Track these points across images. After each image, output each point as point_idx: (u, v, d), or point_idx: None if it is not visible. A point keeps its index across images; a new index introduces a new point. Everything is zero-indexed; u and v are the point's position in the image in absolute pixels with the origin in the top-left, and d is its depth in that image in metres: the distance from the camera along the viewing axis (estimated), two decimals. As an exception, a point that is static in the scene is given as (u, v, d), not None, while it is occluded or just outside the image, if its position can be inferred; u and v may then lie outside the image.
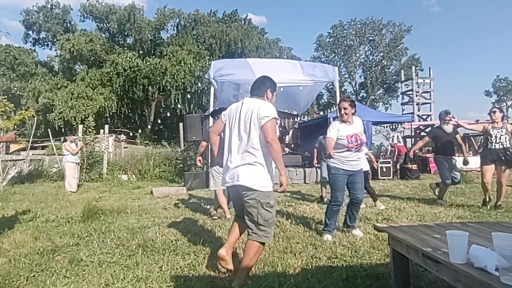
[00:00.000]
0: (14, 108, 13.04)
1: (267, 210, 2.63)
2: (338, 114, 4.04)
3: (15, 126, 11.48)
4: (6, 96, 13.03)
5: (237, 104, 2.92)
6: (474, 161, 8.09)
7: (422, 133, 17.54)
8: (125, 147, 16.99)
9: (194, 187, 8.82)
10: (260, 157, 2.65)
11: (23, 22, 25.89)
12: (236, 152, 2.73)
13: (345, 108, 3.86)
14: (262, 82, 2.88)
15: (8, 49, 24.74)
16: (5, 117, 11.26)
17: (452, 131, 5.90)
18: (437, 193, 6.23)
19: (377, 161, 11.14)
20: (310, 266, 3.02)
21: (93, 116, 18.66)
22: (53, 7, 26.31)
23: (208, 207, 6.10)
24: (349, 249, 3.42)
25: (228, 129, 2.94)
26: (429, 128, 14.13)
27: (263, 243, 2.68)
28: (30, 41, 27.15)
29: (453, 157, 6.02)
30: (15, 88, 22.98)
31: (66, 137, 9.41)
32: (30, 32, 26.62)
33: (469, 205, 5.89)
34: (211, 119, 8.81)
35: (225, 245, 2.87)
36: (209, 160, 5.96)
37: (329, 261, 3.15)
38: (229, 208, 5.09)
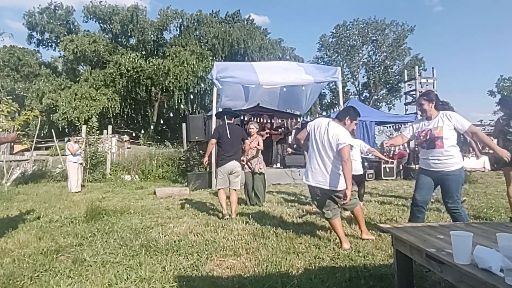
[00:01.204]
0: (19, 109, 13.12)
1: None
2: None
3: (19, 127, 11.55)
4: (11, 97, 13.12)
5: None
6: (477, 162, 8.05)
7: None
8: (128, 148, 17.04)
9: (197, 188, 8.83)
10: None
11: (26, 24, 26.04)
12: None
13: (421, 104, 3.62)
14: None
15: (12, 50, 24.88)
16: (10, 117, 11.32)
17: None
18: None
19: (380, 161, 11.13)
20: (313, 267, 3.01)
21: (97, 116, 18.76)
22: (56, 8, 26.43)
23: (212, 207, 6.12)
24: (352, 250, 3.41)
25: None
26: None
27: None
28: (34, 42, 27.30)
29: None
30: (19, 89, 23.13)
31: (70, 138, 9.44)
32: (34, 33, 26.75)
33: (473, 205, 5.86)
34: (214, 119, 8.87)
35: None
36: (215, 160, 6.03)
37: (332, 261, 3.15)
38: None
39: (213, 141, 5.28)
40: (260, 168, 6.31)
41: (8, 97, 12.39)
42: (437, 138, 3.46)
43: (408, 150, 12.27)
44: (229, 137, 5.13)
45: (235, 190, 5.28)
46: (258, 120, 11.97)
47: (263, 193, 6.39)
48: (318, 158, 3.56)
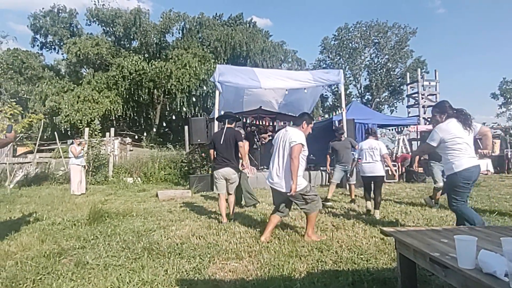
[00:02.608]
0: (22, 111, 13.18)
1: None
2: None
3: (23, 129, 11.59)
4: (14, 100, 13.19)
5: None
6: (481, 165, 7.99)
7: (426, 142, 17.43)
8: (130, 150, 17.08)
9: (199, 190, 8.83)
10: None
11: (30, 26, 26.19)
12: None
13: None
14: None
15: (16, 53, 25.00)
16: (13, 120, 11.37)
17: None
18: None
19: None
20: (315, 270, 3.00)
21: (99, 119, 18.82)
22: (60, 11, 26.58)
23: (215, 209, 6.11)
24: (355, 253, 3.39)
25: None
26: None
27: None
28: (37, 45, 27.44)
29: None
30: (23, 92, 23.22)
31: (73, 140, 9.47)
32: (37, 36, 26.89)
33: (476, 208, 5.82)
34: (216, 122, 8.88)
35: None
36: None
37: (335, 265, 3.13)
38: None
39: (211, 151, 5.33)
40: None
41: (11, 100, 12.45)
42: None
43: (410, 153, 12.23)
44: (221, 142, 5.09)
45: (231, 193, 5.30)
46: (260, 123, 11.99)
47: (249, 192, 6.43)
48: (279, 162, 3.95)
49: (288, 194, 3.78)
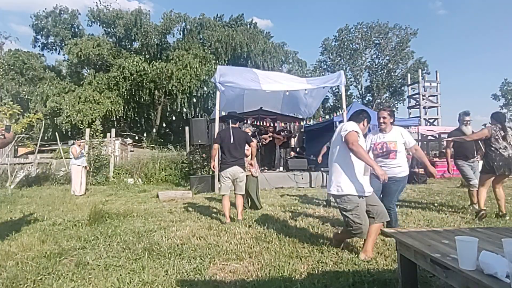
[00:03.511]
0: (22, 111, 13.19)
1: None
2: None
3: (23, 129, 11.60)
4: (13, 100, 13.19)
5: None
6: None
7: (429, 137, 17.40)
8: (131, 151, 17.09)
9: (199, 191, 8.83)
10: None
11: (32, 26, 26.26)
12: None
13: (384, 117, 4.12)
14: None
15: (17, 54, 25.03)
16: (13, 120, 11.38)
17: (472, 133, 5.54)
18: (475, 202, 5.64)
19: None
20: (316, 271, 3.00)
21: (100, 119, 18.81)
22: (62, 12, 26.64)
23: (215, 210, 6.11)
24: (355, 254, 3.39)
25: None
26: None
27: None
28: (39, 46, 27.49)
29: (474, 160, 5.77)
30: (24, 92, 23.23)
31: (75, 141, 9.47)
32: (39, 36, 26.94)
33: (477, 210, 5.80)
34: (217, 123, 8.90)
35: None
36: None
37: (336, 266, 3.13)
38: None
39: (216, 146, 5.29)
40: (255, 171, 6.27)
41: (10, 100, 12.43)
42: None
43: (411, 154, 12.21)
44: (232, 141, 5.12)
45: (241, 194, 5.28)
46: (261, 124, 12.00)
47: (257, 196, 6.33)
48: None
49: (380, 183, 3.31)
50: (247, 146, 5.44)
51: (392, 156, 4.08)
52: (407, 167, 4.15)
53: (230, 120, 5.40)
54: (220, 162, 5.53)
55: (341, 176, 3.30)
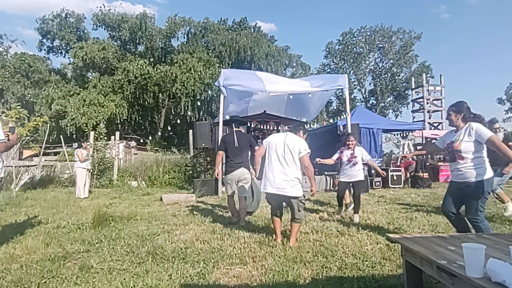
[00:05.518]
0: (28, 115, 13.28)
1: None
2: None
3: (28, 132, 11.67)
4: (20, 103, 13.28)
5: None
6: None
7: (434, 141, 17.29)
8: (135, 154, 17.13)
9: (203, 194, 8.83)
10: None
11: (38, 29, 26.50)
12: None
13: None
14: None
15: (23, 57, 25.26)
16: (19, 123, 11.45)
17: (504, 139, 5.33)
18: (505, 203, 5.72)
19: (387, 169, 11.05)
20: (320, 276, 2.98)
21: (104, 122, 18.89)
22: (67, 16, 26.88)
23: (219, 214, 6.10)
24: (360, 259, 3.37)
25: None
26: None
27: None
28: (45, 49, 27.71)
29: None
30: (29, 95, 23.42)
31: (81, 144, 9.51)
32: (44, 40, 27.19)
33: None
34: (221, 126, 8.91)
35: None
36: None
37: (340, 271, 3.11)
38: None
39: (221, 153, 5.32)
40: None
41: (17, 104, 12.53)
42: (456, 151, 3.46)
43: (415, 158, 12.14)
44: (237, 145, 5.14)
45: (245, 197, 5.29)
46: (264, 127, 12.00)
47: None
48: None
49: (294, 199, 3.98)
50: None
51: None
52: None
53: (233, 124, 5.42)
54: (226, 165, 5.54)
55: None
